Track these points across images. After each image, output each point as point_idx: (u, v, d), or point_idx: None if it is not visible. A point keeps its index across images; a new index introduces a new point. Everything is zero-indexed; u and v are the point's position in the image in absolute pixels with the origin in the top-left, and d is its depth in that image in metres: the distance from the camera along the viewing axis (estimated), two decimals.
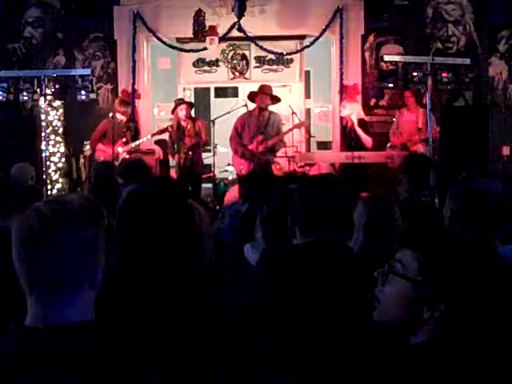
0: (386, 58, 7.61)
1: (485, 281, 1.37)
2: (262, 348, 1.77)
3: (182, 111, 7.35)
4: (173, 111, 7.52)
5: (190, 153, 7.22)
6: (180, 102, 7.58)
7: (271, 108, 7.46)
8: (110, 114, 7.50)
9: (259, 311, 1.87)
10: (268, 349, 1.76)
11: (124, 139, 7.47)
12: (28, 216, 1.30)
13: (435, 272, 1.37)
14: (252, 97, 7.45)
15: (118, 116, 7.47)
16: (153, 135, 7.80)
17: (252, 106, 7.52)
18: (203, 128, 7.38)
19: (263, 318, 1.85)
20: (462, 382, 1.32)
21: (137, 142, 7.59)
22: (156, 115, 9.38)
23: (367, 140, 7.23)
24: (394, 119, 7.93)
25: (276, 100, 7.43)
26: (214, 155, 7.39)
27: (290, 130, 7.51)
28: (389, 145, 7.70)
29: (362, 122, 7.45)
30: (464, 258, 1.39)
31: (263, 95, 7.23)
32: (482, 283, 1.37)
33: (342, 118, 8.02)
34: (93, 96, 9.00)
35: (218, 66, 9.09)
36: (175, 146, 7.44)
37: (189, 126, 7.28)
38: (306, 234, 2.08)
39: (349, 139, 7.39)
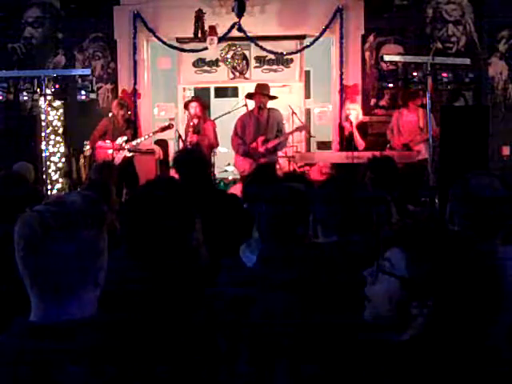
0: (386, 58, 7.61)
1: (471, 277, 1.39)
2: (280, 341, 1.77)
3: (192, 108, 7.37)
4: (185, 108, 7.54)
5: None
6: (191, 99, 7.61)
7: (271, 104, 7.46)
8: (110, 114, 7.49)
9: (274, 310, 1.88)
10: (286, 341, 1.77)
11: (125, 137, 7.46)
12: (28, 218, 1.30)
13: (422, 269, 1.40)
14: (249, 97, 7.46)
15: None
16: (154, 133, 7.80)
17: (252, 104, 7.51)
18: (211, 129, 7.36)
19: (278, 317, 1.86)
20: (451, 377, 1.33)
21: (138, 140, 7.58)
22: (156, 115, 9.38)
23: (360, 142, 7.23)
24: (393, 119, 7.89)
25: (273, 98, 7.43)
26: (214, 155, 7.38)
27: (291, 133, 7.50)
28: (388, 146, 7.68)
29: (360, 125, 7.45)
30: (452, 255, 1.41)
31: (260, 95, 7.23)
32: (468, 280, 1.39)
33: (341, 118, 8.02)
34: (93, 96, 8.99)
35: (218, 65, 9.09)
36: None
37: (191, 123, 7.30)
38: (329, 234, 2.11)
39: (346, 140, 7.40)
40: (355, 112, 7.53)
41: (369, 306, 1.47)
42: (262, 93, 7.25)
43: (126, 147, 7.40)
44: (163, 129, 7.56)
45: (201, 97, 8.48)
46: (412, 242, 1.44)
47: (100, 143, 7.43)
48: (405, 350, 1.39)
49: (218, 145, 7.38)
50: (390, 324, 1.44)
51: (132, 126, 7.83)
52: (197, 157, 3.72)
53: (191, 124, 7.31)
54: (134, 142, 7.48)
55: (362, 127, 7.45)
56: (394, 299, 1.42)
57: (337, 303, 1.81)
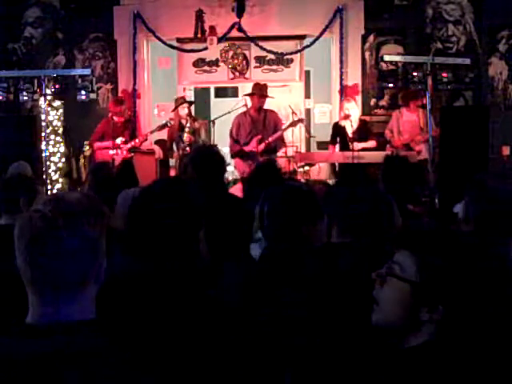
0: (386, 57, 7.62)
1: (483, 283, 1.36)
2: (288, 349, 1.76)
3: (183, 109, 7.36)
4: (174, 110, 7.51)
5: (188, 149, 7.21)
6: (182, 101, 7.59)
7: (270, 105, 7.44)
8: (110, 115, 7.48)
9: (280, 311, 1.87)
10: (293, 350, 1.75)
11: (123, 138, 7.44)
12: (31, 217, 1.30)
13: (433, 274, 1.37)
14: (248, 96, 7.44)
15: (114, 117, 7.45)
16: (152, 132, 7.78)
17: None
18: (203, 128, 7.38)
19: (287, 318, 1.84)
20: None
21: (137, 141, 7.56)
22: (156, 115, 9.38)
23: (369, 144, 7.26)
24: (392, 119, 7.87)
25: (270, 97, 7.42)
26: None
27: (287, 127, 7.48)
28: (388, 146, 7.67)
29: (363, 124, 7.46)
30: (462, 259, 1.38)
31: (258, 97, 7.21)
32: (480, 285, 1.36)
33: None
34: (93, 96, 9.00)
35: (218, 65, 9.08)
36: (174, 146, 7.44)
37: (188, 124, 7.29)
38: (343, 235, 2.11)
39: (345, 139, 7.39)
40: (354, 111, 7.54)
41: (377, 310, 1.44)
42: (259, 94, 7.23)
43: (124, 148, 7.38)
44: (161, 127, 7.56)
45: (184, 97, 8.42)
46: (423, 246, 1.40)
47: (99, 144, 7.43)
48: (414, 356, 1.35)
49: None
50: (399, 328, 1.41)
51: (130, 127, 7.79)
52: (218, 157, 3.66)
53: (188, 125, 7.30)
54: (133, 143, 7.46)
55: (364, 126, 7.47)
56: (403, 303, 1.39)
57: (344, 305, 1.79)
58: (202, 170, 3.42)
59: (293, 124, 7.54)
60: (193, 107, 7.88)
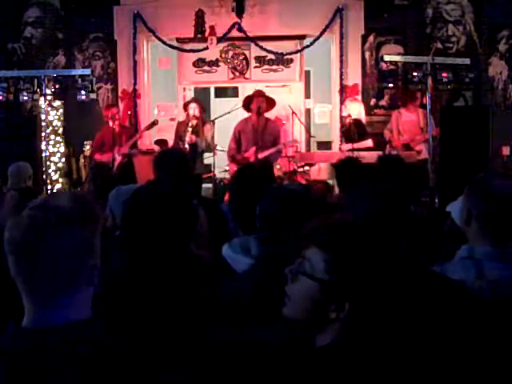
0: (386, 57, 7.61)
1: (389, 281, 1.37)
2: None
3: (191, 109, 7.35)
4: (185, 108, 7.53)
5: (187, 147, 7.20)
6: (191, 100, 7.62)
7: (271, 115, 7.41)
8: (110, 123, 7.37)
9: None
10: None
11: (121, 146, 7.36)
12: (13, 223, 1.29)
13: (340, 271, 1.37)
14: (247, 103, 7.34)
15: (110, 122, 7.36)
16: (145, 129, 7.72)
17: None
18: (209, 132, 7.35)
19: None
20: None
21: (129, 143, 7.47)
22: (156, 115, 9.38)
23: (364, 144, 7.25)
24: (392, 119, 7.87)
25: (271, 103, 7.33)
26: (214, 155, 7.38)
27: (283, 147, 7.40)
28: (388, 146, 7.67)
29: (358, 122, 7.45)
30: (368, 257, 1.38)
31: (259, 98, 7.17)
32: (386, 283, 1.36)
33: (341, 118, 8.03)
34: (93, 96, 9.00)
35: (218, 65, 9.09)
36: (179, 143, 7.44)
37: (190, 124, 7.28)
38: None
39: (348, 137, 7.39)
40: (356, 111, 7.54)
41: (288, 304, 1.44)
42: (260, 95, 7.19)
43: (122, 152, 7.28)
44: (148, 127, 7.56)
45: (198, 99, 8.45)
46: (331, 244, 1.40)
47: (99, 158, 7.26)
48: (321, 356, 1.35)
49: (215, 147, 7.37)
50: (307, 324, 1.42)
51: (125, 131, 7.66)
52: (177, 158, 3.64)
53: (190, 125, 7.29)
54: (126, 146, 7.32)
55: (359, 125, 7.45)
56: (312, 300, 1.39)
57: None
58: (164, 172, 3.43)
59: (289, 145, 7.50)
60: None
